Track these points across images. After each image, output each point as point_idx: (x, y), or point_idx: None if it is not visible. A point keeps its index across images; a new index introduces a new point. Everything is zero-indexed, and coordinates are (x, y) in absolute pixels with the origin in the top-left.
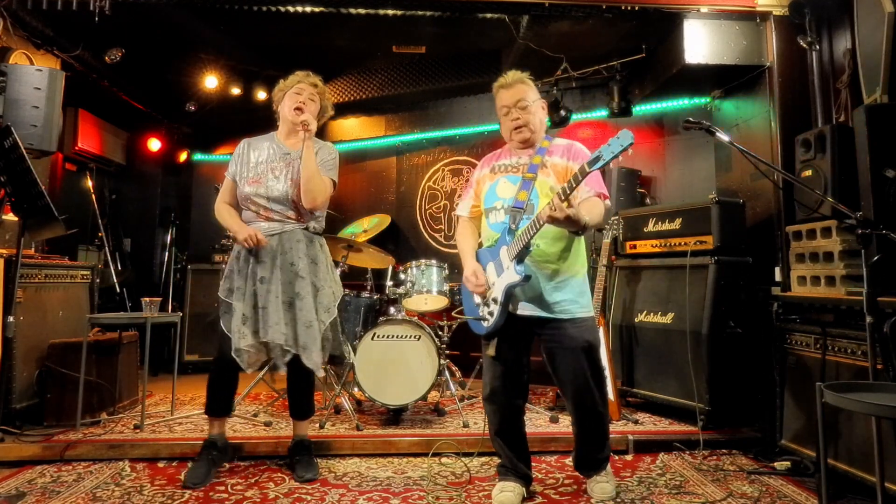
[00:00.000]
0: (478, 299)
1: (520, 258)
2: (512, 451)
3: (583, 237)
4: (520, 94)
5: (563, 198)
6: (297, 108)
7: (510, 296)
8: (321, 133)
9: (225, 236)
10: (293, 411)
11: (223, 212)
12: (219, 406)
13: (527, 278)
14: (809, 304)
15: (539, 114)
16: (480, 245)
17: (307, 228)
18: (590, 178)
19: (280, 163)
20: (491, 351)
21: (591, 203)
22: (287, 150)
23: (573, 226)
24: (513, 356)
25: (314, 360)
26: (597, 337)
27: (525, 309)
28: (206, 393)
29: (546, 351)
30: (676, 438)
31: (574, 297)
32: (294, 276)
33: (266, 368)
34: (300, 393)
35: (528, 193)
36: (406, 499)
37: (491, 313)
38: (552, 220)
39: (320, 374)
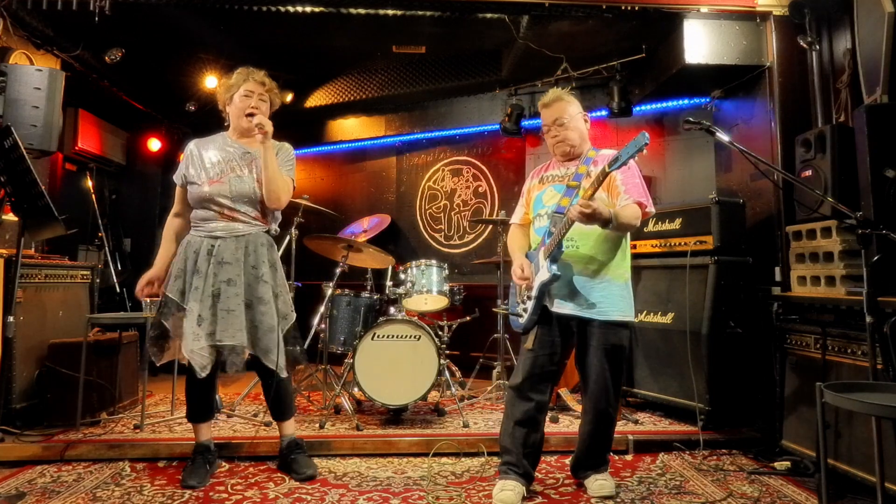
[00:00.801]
0: (519, 297)
1: (553, 257)
2: (523, 446)
3: (623, 244)
4: (558, 111)
5: (588, 196)
6: (249, 114)
7: (543, 293)
8: (320, 133)
9: None
10: (272, 413)
11: (166, 234)
12: (200, 410)
13: (555, 277)
14: (809, 304)
15: (579, 127)
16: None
17: (268, 231)
18: (631, 186)
19: (241, 162)
20: (528, 344)
21: (628, 207)
22: (247, 150)
23: (601, 222)
24: (547, 351)
25: (278, 363)
26: (623, 342)
27: (564, 307)
28: (186, 400)
29: (578, 347)
30: (676, 438)
31: (613, 299)
32: (256, 280)
33: (231, 372)
34: (274, 395)
35: (570, 200)
36: (406, 499)
37: (525, 309)
38: (580, 215)
39: (283, 374)
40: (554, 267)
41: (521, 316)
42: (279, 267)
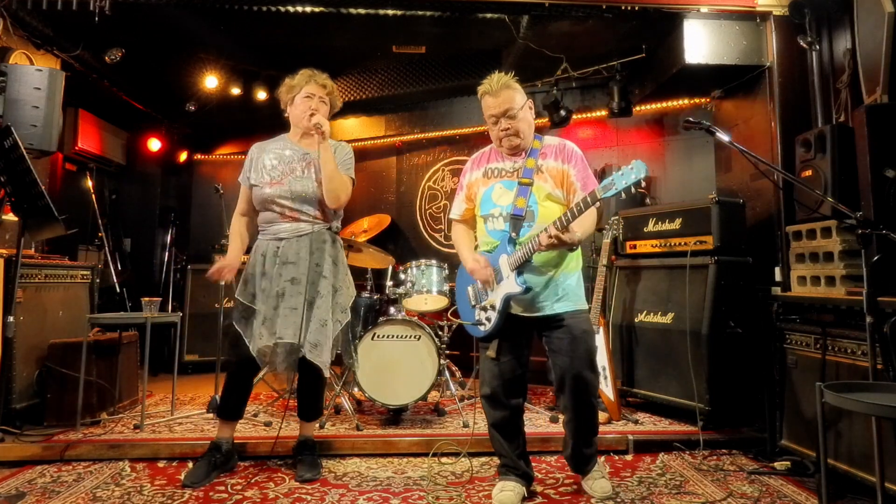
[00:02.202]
0: (473, 301)
1: (520, 270)
2: (510, 447)
3: None
4: (507, 102)
5: (561, 226)
6: (311, 115)
7: (508, 304)
8: None
9: (225, 236)
10: (301, 412)
11: (233, 230)
12: (232, 410)
13: (527, 290)
14: (809, 304)
15: (528, 118)
16: (476, 248)
17: (330, 228)
18: (587, 180)
19: (301, 163)
20: (491, 352)
21: (588, 217)
22: (306, 151)
23: (570, 247)
24: (513, 356)
25: (323, 358)
26: (591, 327)
27: (527, 310)
28: (222, 395)
29: (547, 343)
30: (676, 438)
31: (571, 291)
32: (318, 277)
33: (280, 370)
34: (311, 394)
35: (526, 200)
36: (406, 499)
37: (489, 319)
38: (549, 247)
39: (327, 374)
40: (521, 279)
41: (483, 325)
42: (341, 262)
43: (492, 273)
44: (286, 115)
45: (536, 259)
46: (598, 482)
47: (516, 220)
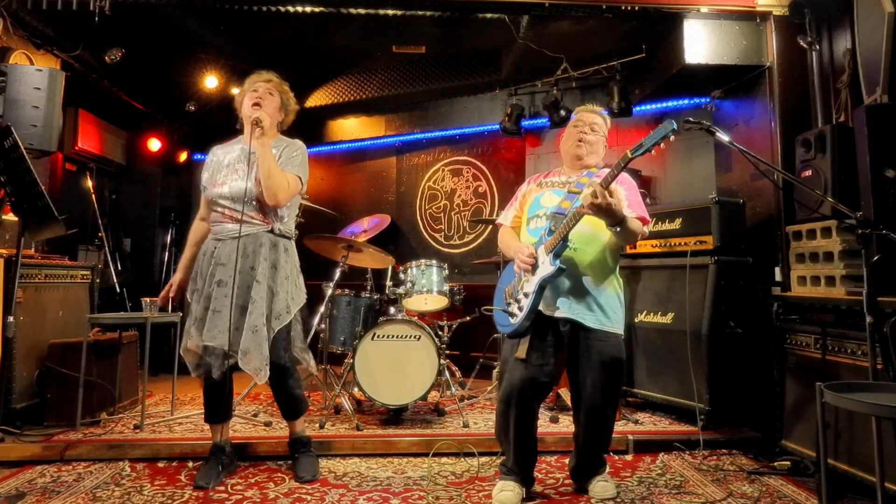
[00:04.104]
0: (510, 296)
1: (556, 252)
2: (519, 450)
3: (618, 257)
4: (598, 120)
5: (605, 185)
6: (255, 104)
7: (543, 289)
8: (320, 133)
9: None
10: (282, 413)
11: (189, 238)
12: (215, 412)
13: (560, 270)
14: (809, 304)
15: (601, 144)
16: None
17: (272, 231)
18: (635, 202)
19: (243, 162)
20: (520, 353)
21: (632, 221)
22: (253, 150)
23: (612, 217)
24: (541, 363)
25: (253, 364)
26: (622, 355)
27: (561, 310)
28: (203, 399)
29: (571, 356)
30: (676, 438)
31: (612, 309)
32: (251, 280)
33: (215, 375)
34: (281, 395)
35: (570, 203)
36: (406, 499)
37: (520, 308)
38: (593, 207)
39: (261, 380)
40: (557, 261)
41: (513, 315)
42: (282, 265)
43: (533, 259)
44: (241, 120)
45: (575, 259)
46: (600, 483)
47: (558, 217)
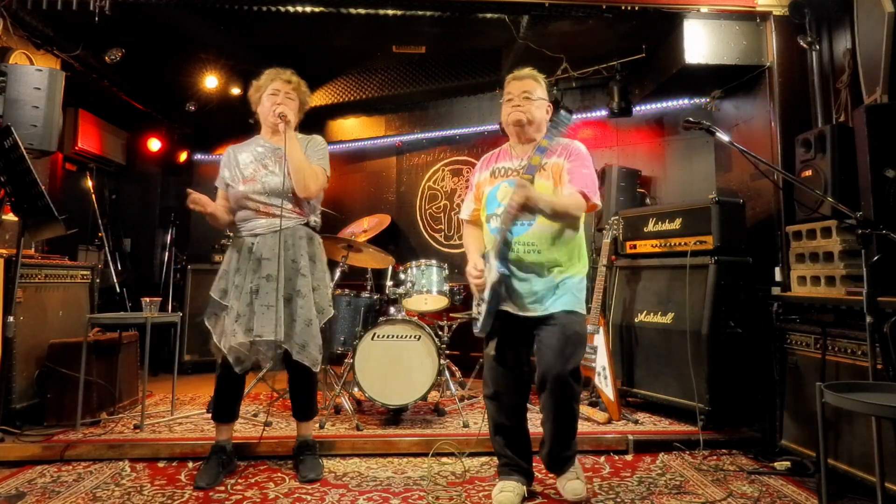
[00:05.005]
0: (476, 298)
1: (501, 255)
2: (512, 449)
3: (580, 237)
4: (528, 86)
5: (519, 185)
6: (280, 114)
7: (496, 292)
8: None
9: (225, 236)
10: (296, 412)
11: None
12: (226, 411)
13: (504, 276)
14: (809, 304)
15: (541, 110)
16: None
17: (308, 224)
18: (577, 175)
19: (271, 158)
20: (491, 350)
21: (569, 196)
22: (276, 147)
23: (542, 212)
24: (513, 356)
25: (313, 356)
26: (584, 332)
27: (525, 310)
28: (213, 398)
29: (536, 337)
30: (676, 438)
31: (570, 293)
32: (295, 273)
33: (266, 368)
34: (302, 393)
35: None
36: (406, 499)
37: (480, 312)
38: (515, 206)
39: (317, 369)
40: (500, 265)
41: (476, 318)
42: (319, 260)
43: (483, 280)
44: (256, 115)
45: (534, 258)
46: (570, 483)
47: (505, 213)
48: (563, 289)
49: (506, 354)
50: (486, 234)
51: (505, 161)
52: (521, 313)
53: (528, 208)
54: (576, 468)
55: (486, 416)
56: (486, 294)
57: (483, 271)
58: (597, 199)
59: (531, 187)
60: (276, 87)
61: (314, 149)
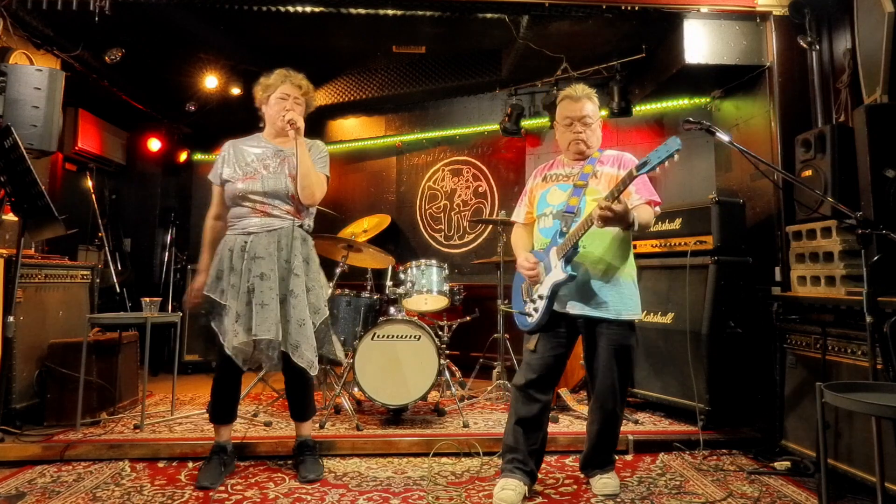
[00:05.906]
0: (526, 295)
1: (567, 258)
2: (528, 443)
3: (629, 244)
4: (587, 109)
5: (611, 199)
6: (291, 121)
7: (555, 293)
8: (320, 132)
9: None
10: (293, 412)
11: (206, 239)
12: (225, 412)
13: (571, 277)
14: (809, 304)
15: (598, 131)
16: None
17: (302, 226)
18: (641, 186)
19: (274, 160)
20: (531, 345)
21: (642, 209)
22: (279, 148)
23: (622, 223)
24: (552, 353)
25: (307, 357)
26: (633, 341)
27: (574, 308)
28: (210, 399)
29: (586, 347)
30: (676, 438)
31: (623, 298)
32: (288, 274)
33: (266, 368)
34: (297, 393)
35: (578, 199)
36: (406, 499)
37: (536, 309)
38: (603, 219)
39: (314, 371)
40: (569, 268)
41: (530, 315)
42: (313, 261)
43: (537, 271)
44: (260, 112)
45: (584, 257)
46: (603, 480)
47: (567, 216)
48: (615, 292)
49: (544, 351)
50: (536, 233)
51: (557, 169)
52: (566, 310)
53: (613, 222)
54: (612, 470)
55: (488, 417)
56: (545, 291)
57: (536, 263)
58: (658, 206)
59: (627, 203)
60: (285, 91)
61: (318, 155)
